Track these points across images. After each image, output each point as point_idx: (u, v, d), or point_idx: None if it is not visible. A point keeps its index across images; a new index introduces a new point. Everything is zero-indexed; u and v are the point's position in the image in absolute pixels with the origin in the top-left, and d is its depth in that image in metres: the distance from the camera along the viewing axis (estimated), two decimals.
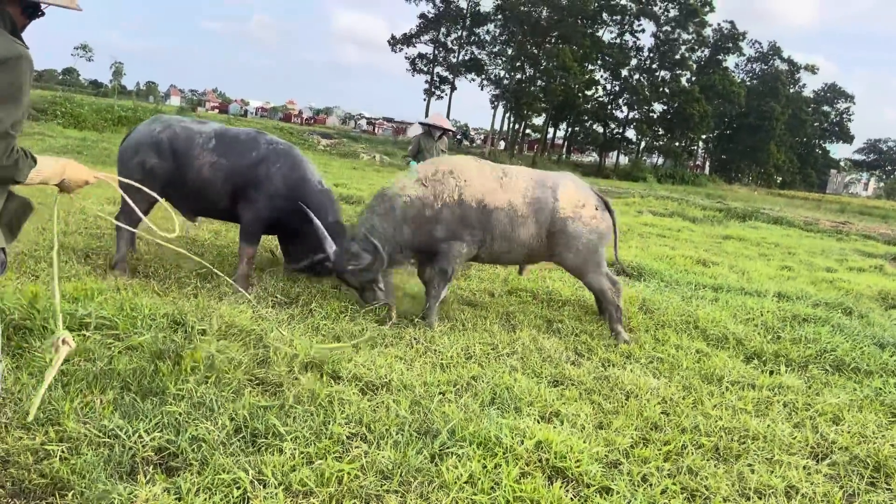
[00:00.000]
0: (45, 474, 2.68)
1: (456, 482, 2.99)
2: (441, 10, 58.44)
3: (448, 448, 3.30)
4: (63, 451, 2.82)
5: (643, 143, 69.55)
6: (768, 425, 4.16)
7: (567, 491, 3.10)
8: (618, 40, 63.14)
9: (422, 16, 58.79)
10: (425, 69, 60.20)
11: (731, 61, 69.56)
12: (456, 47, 59.86)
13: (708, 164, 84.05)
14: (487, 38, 59.95)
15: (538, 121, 65.75)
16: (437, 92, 60.43)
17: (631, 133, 68.36)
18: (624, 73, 64.52)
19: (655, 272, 9.09)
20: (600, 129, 67.42)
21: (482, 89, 63.65)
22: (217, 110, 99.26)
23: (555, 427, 3.71)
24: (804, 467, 3.70)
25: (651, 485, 3.28)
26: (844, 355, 5.63)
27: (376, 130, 77.02)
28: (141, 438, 2.99)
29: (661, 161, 71.50)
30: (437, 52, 59.90)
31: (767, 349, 5.72)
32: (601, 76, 64.66)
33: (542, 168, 48.54)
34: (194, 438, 3.06)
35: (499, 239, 5.49)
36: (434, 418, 3.62)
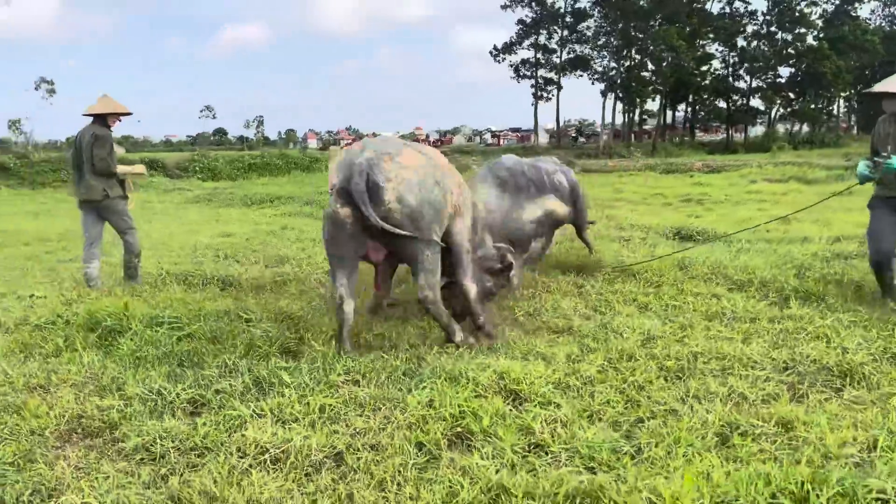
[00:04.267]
0: (104, 420, 3.63)
1: (418, 404, 3.65)
2: (539, 13, 58.68)
3: (423, 383, 3.96)
4: (119, 405, 3.77)
5: (775, 112, 65.82)
6: (744, 349, 4.48)
7: (508, 404, 3.67)
8: (727, 9, 60.52)
9: (520, 21, 59.30)
10: (529, 74, 60.57)
11: (865, 10, 64.46)
12: (558, 47, 59.77)
13: (854, 122, 77.90)
14: (590, 33, 59.44)
15: (653, 106, 64.18)
16: (544, 94, 60.53)
17: (757, 103, 65.01)
18: (740, 42, 61.67)
19: (722, 234, 9.21)
20: (723, 104, 64.59)
21: (592, 84, 63.20)
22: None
23: (528, 362, 4.27)
24: (758, 378, 4.03)
25: (593, 397, 3.77)
26: (864, 283, 5.70)
27: (501, 142, 78.21)
28: (178, 394, 3.89)
29: (798, 128, 67.24)
30: (538, 55, 60.07)
31: (787, 287, 5.89)
32: (715, 49, 62.19)
33: (665, 153, 47.50)
34: (218, 391, 3.93)
35: None
36: (424, 365, 4.30)
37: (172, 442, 3.34)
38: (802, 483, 2.66)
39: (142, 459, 3.23)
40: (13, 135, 39.41)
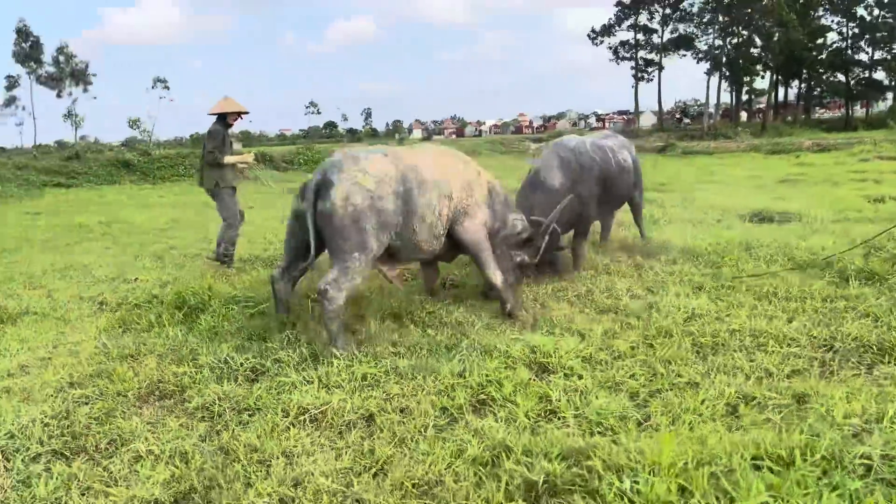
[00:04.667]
0: (177, 385, 4.14)
1: (449, 374, 3.95)
2: None
3: (461, 355, 4.25)
4: (191, 372, 4.28)
5: None
6: (784, 327, 4.49)
7: (533, 375, 3.91)
8: None
9: (618, 3, 57.95)
10: (629, 56, 59.15)
11: None
12: (659, 27, 57.98)
13: None
14: (695, 10, 57.29)
15: (763, 84, 61.17)
16: (645, 76, 58.95)
17: (881, 76, 60.65)
18: (860, 11, 57.73)
19: (800, 215, 8.97)
20: (841, 78, 60.70)
21: (697, 63, 61.00)
22: (455, 135, 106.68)
23: (562, 338, 4.48)
24: (790, 354, 4.06)
25: (619, 370, 3.94)
26: None
27: (606, 125, 77.03)
28: (242, 363, 4.36)
29: None
30: (637, 36, 58.52)
31: (851, 267, 5.76)
32: (832, 21, 58.51)
33: (775, 133, 45.16)
34: (276, 360, 4.37)
35: None
36: (465, 340, 4.59)
37: (229, 403, 3.80)
38: (792, 449, 2.77)
39: (202, 417, 3.69)
40: (137, 133, 42.47)
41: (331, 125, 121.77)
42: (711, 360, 4.07)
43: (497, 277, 5.33)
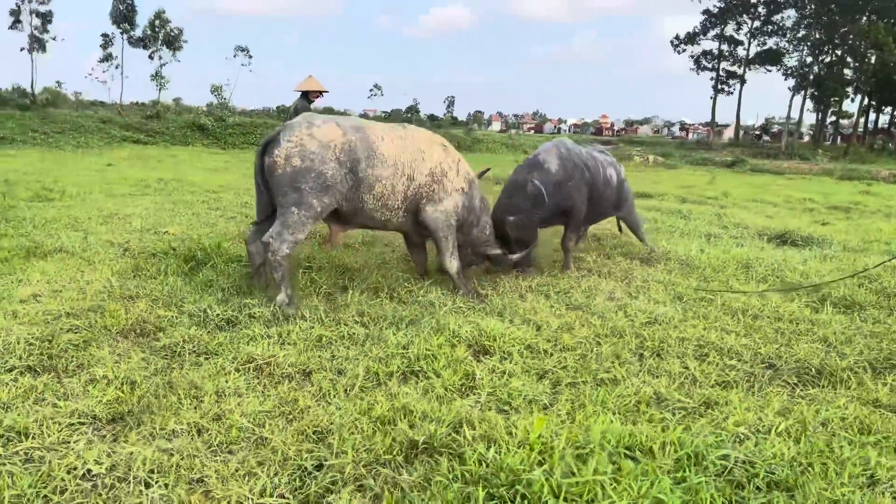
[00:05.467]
0: (156, 326, 4.57)
1: (395, 345, 4.24)
2: (728, 2, 55.53)
3: (415, 330, 4.54)
4: (172, 317, 4.70)
5: None
6: (735, 341, 4.61)
7: (471, 354, 4.17)
8: None
9: (706, 12, 56.59)
10: (710, 66, 57.68)
11: None
12: (746, 39, 56.32)
13: None
14: (788, 24, 55.39)
15: (852, 107, 58.73)
16: (725, 88, 57.43)
17: None
18: None
19: (824, 241, 8.87)
20: None
21: (785, 79, 58.99)
22: (532, 131, 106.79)
23: (516, 326, 4.71)
24: (726, 366, 4.19)
25: (553, 360, 4.16)
26: None
27: (689, 135, 75.79)
28: (219, 314, 4.75)
29: None
30: (722, 47, 57.00)
31: (836, 293, 5.77)
32: None
33: (858, 158, 43.20)
34: (251, 315, 4.75)
35: None
36: (428, 318, 4.86)
37: (192, 345, 4.20)
38: (663, 443, 2.96)
39: (164, 355, 4.09)
40: (215, 99, 44.09)
41: (412, 109, 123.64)
42: (647, 362, 4.23)
43: (453, 265, 5.70)
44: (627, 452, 2.94)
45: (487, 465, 2.74)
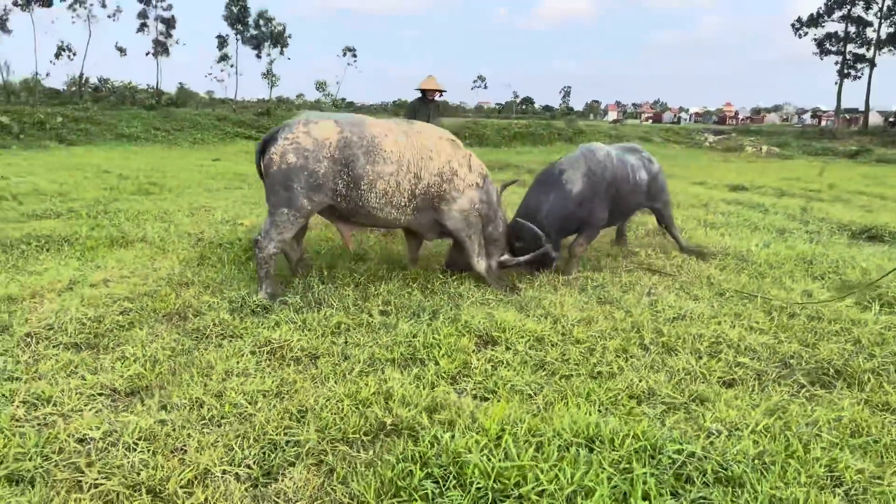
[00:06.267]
0: (195, 310, 4.96)
1: (406, 333, 4.43)
2: None
3: (430, 321, 4.70)
4: (213, 303, 5.09)
5: None
6: (755, 338, 4.48)
7: (476, 344, 4.29)
8: None
9: None
10: (835, 50, 53.93)
11: None
12: (876, 20, 52.24)
13: None
14: None
15: None
16: (852, 72, 53.55)
17: None
18: None
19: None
20: None
21: None
22: (650, 120, 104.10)
23: (532, 319, 4.78)
24: (737, 363, 4.10)
25: (557, 352, 4.21)
26: None
27: (821, 123, 71.94)
28: (256, 301, 5.10)
29: None
30: (848, 29, 53.14)
31: (890, 292, 5.45)
32: None
33: None
34: (283, 302, 5.07)
35: None
36: (448, 309, 5.01)
37: (220, 329, 4.55)
38: (623, 436, 2.99)
39: (194, 336, 4.46)
40: (321, 95, 45.94)
41: (527, 101, 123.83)
42: (654, 357, 4.20)
43: (481, 265, 5.71)
44: (587, 443, 2.99)
45: (436, 445, 2.88)
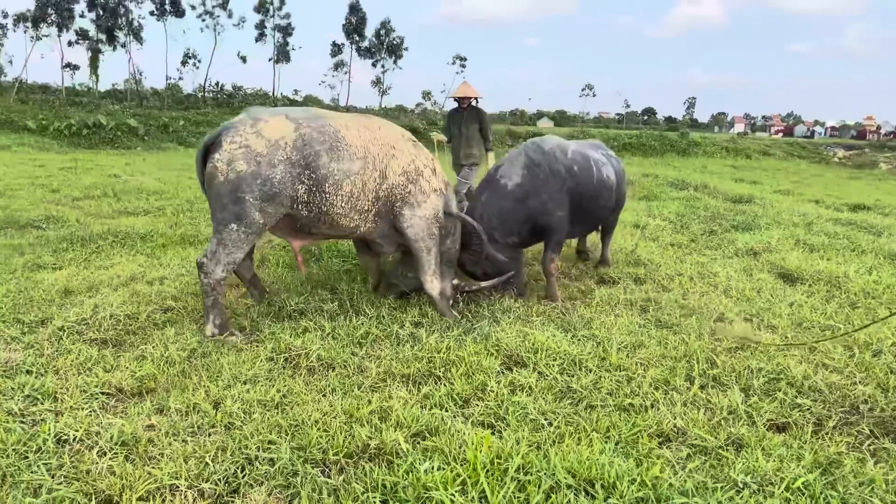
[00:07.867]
0: (233, 311, 4.93)
1: (431, 349, 4.19)
2: None
3: (459, 337, 4.45)
4: (251, 303, 5.05)
5: None
6: (819, 376, 3.94)
7: (503, 365, 4.01)
8: None
9: None
10: None
11: None
12: None
13: None
14: None
15: None
16: None
17: None
18: None
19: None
20: None
21: None
22: (781, 133, 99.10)
23: (570, 340, 4.43)
24: (793, 405, 3.61)
25: (588, 380, 3.84)
26: None
27: None
28: (291, 305, 5.01)
29: None
30: None
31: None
32: None
33: None
34: (317, 309, 4.96)
35: None
36: (484, 326, 4.73)
37: (244, 332, 4.48)
38: (632, 481, 2.63)
39: (218, 340, 4.41)
40: (427, 104, 46.54)
41: (649, 111, 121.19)
42: (697, 392, 3.75)
43: (434, 284, 5.05)
44: (583, 486, 2.65)
45: (409, 478, 2.63)
